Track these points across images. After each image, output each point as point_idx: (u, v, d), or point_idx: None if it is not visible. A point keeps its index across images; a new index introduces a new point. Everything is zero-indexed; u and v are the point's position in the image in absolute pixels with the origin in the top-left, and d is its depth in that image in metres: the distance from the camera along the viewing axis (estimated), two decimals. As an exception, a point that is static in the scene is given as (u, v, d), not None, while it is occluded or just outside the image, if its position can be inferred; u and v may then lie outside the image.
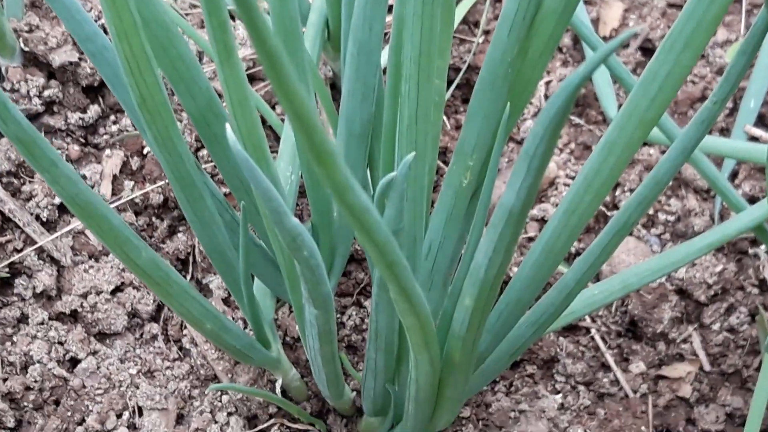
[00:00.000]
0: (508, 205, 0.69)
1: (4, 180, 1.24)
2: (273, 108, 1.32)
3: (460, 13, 1.44)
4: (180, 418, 1.14)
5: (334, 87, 1.31)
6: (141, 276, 0.91)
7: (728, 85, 0.86)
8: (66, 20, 0.93)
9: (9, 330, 1.17)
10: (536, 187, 0.68)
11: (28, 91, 1.28)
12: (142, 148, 1.29)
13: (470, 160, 0.89)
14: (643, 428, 1.17)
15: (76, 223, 1.24)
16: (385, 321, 0.92)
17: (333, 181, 0.59)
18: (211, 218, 1.01)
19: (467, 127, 0.89)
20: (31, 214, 1.23)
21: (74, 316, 1.18)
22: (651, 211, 1.32)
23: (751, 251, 1.28)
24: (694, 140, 0.89)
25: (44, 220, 1.23)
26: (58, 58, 1.28)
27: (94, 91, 1.32)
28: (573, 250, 1.26)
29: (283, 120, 1.24)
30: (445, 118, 1.37)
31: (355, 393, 1.14)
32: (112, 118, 1.31)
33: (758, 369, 1.19)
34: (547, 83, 1.43)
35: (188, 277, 1.23)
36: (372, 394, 1.04)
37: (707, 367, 1.23)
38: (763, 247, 1.26)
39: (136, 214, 1.24)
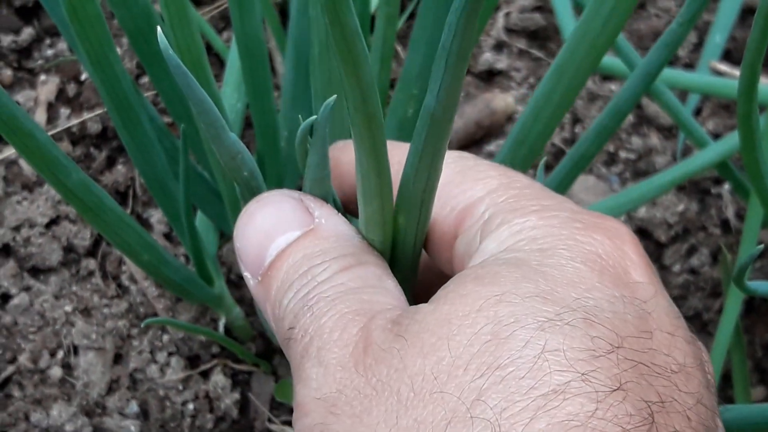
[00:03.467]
0: (429, 109, 0.64)
1: None
2: (219, 33, 1.31)
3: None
4: (118, 358, 1.13)
5: (284, 14, 1.29)
6: (71, 200, 0.89)
7: (695, 5, 0.84)
8: None
9: None
10: (458, 87, 0.62)
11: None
12: (79, 74, 1.29)
13: (414, 89, 0.88)
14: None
15: (8, 152, 1.24)
16: None
17: None
18: (150, 144, 1.00)
19: (411, 53, 0.88)
20: None
21: (6, 250, 1.18)
22: (612, 149, 1.33)
23: (713, 190, 1.29)
24: (657, 65, 0.88)
25: None
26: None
27: (29, 13, 1.32)
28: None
29: (228, 45, 1.22)
30: (399, 48, 1.37)
31: None
32: (48, 41, 1.31)
33: (719, 312, 1.20)
34: (507, 14, 1.42)
35: (128, 210, 1.23)
36: None
37: None
38: (726, 186, 1.27)
39: (73, 144, 1.24)
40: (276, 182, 1.12)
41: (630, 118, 1.35)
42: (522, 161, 0.91)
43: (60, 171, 0.85)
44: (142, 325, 1.12)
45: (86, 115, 1.25)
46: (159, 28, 0.68)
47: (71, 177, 0.86)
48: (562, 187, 0.96)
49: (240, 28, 0.99)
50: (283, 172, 1.12)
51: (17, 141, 0.82)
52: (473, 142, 1.33)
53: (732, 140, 1.16)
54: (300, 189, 0.95)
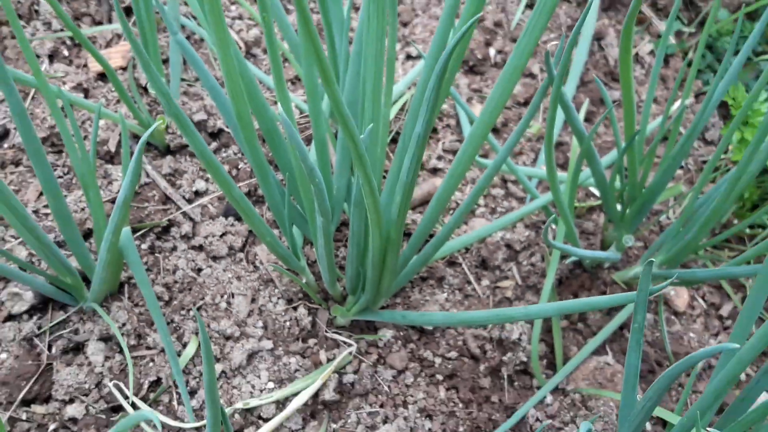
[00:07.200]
0: (417, 132, 0.64)
1: (168, 178, 1.25)
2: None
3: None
4: (253, 300, 1.14)
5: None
6: (235, 205, 0.90)
7: (528, 118, 0.83)
8: (217, 102, 0.94)
9: (167, 254, 1.16)
10: (433, 121, 0.61)
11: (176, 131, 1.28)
12: (239, 163, 1.28)
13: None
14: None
15: (203, 199, 1.23)
16: (356, 224, 0.89)
17: (338, 110, 0.56)
18: (273, 189, 1.02)
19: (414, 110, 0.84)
20: (182, 196, 1.23)
21: (201, 248, 1.18)
22: (493, 205, 1.33)
23: (543, 226, 1.30)
24: (512, 144, 0.86)
25: (187, 198, 1.23)
26: (196, 117, 1.30)
27: (215, 135, 1.32)
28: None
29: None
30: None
31: (342, 288, 1.13)
32: (223, 150, 1.31)
33: (543, 280, 1.23)
34: (443, 142, 1.40)
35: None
36: (351, 275, 1.01)
37: (520, 283, 1.26)
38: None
39: None
40: (331, 212, 1.09)
41: (501, 191, 1.33)
42: (442, 204, 0.89)
43: (231, 188, 0.88)
44: (271, 270, 1.09)
45: (240, 184, 1.25)
46: (279, 106, 0.71)
47: (234, 192, 0.89)
48: (459, 220, 0.91)
49: (316, 132, 1.01)
50: (334, 206, 1.11)
51: (219, 177, 0.84)
52: (425, 203, 1.29)
53: (545, 198, 1.20)
54: (343, 221, 0.91)
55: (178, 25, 1.19)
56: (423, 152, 0.69)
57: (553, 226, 1.29)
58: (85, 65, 1.36)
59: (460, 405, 1.11)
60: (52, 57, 1.37)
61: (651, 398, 0.62)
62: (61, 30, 1.38)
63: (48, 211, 1.19)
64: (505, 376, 1.16)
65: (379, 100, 0.82)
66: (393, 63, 0.80)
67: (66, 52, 1.38)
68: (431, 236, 1.25)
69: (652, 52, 1.65)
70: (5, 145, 1.26)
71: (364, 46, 0.71)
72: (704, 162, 1.52)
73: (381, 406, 1.06)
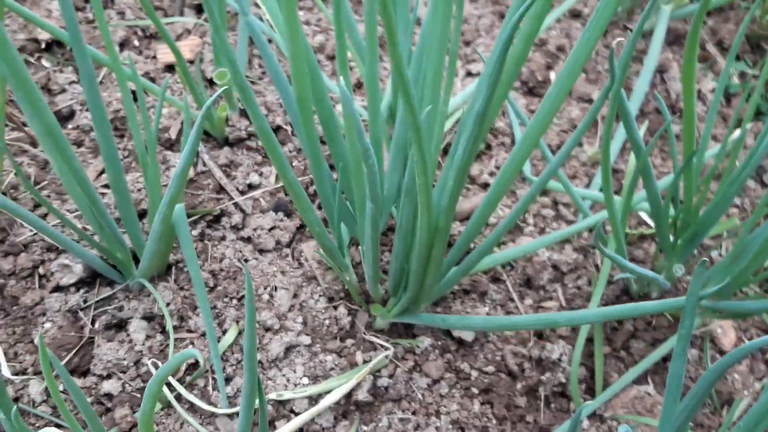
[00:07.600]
0: (476, 110, 0.62)
1: (223, 169, 1.27)
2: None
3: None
4: (295, 295, 1.14)
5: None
6: (288, 187, 0.91)
7: (576, 138, 0.84)
8: (278, 88, 0.95)
9: (216, 242, 1.18)
10: (491, 101, 0.61)
11: (242, 128, 1.31)
12: (292, 163, 1.30)
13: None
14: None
15: (255, 192, 1.24)
16: (406, 215, 0.87)
17: (405, 96, 0.56)
18: (326, 184, 1.03)
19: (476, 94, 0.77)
20: (235, 187, 1.24)
21: (249, 239, 1.19)
22: (542, 225, 1.32)
23: (592, 250, 1.31)
24: (566, 153, 0.85)
25: (240, 189, 1.24)
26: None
27: (273, 131, 1.24)
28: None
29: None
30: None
31: (384, 292, 1.12)
32: (285, 143, 1.33)
33: (588, 304, 1.22)
34: (496, 158, 1.43)
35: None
36: (395, 271, 1.00)
37: (564, 305, 1.25)
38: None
39: (286, 192, 1.25)
40: (381, 208, 1.04)
41: (551, 212, 1.33)
42: (491, 206, 0.89)
43: (286, 169, 0.89)
44: (314, 267, 1.09)
45: (300, 178, 1.24)
46: (341, 79, 0.71)
47: (288, 174, 0.90)
48: (504, 230, 0.93)
49: (372, 131, 1.02)
50: (384, 205, 1.11)
51: (276, 156, 0.86)
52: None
53: (596, 218, 1.20)
54: (389, 226, 0.89)
55: (248, 10, 1.21)
56: (481, 136, 0.68)
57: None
58: (154, 56, 1.40)
59: (494, 421, 1.10)
60: (123, 45, 1.42)
61: (695, 396, 0.61)
62: (134, 20, 1.42)
63: (105, 191, 1.22)
64: (542, 397, 1.15)
65: (439, 87, 0.81)
66: (454, 64, 0.80)
67: (136, 42, 1.43)
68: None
69: (715, 90, 1.64)
70: (70, 126, 1.30)
71: (429, 29, 0.71)
72: (762, 202, 1.49)
73: (413, 413, 1.06)
